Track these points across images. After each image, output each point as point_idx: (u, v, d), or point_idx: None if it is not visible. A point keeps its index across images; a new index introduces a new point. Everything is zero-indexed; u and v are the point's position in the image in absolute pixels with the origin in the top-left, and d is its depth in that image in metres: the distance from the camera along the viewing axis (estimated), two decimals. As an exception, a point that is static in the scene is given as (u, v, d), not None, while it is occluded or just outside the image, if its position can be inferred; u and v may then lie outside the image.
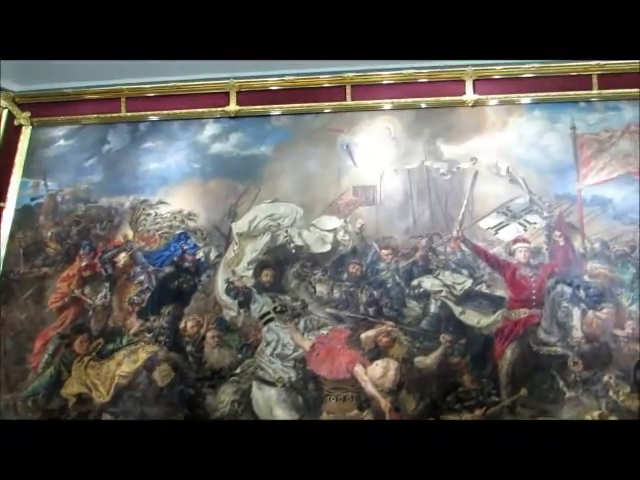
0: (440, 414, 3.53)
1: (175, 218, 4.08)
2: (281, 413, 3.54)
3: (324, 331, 3.73)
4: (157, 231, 4.07)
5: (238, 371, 3.65)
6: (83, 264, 4.01)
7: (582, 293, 3.68)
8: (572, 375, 3.52)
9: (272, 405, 3.55)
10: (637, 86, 3.98)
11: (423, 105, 4.19)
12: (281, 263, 3.91)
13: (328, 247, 3.93)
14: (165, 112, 4.36)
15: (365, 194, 4.03)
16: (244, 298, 3.82)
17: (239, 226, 4.02)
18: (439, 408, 3.54)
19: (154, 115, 4.38)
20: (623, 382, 3.49)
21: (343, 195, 4.03)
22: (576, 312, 3.65)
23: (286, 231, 3.98)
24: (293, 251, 3.94)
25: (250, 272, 3.90)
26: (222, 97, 4.33)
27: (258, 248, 3.96)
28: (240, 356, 3.69)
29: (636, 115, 3.97)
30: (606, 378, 3.51)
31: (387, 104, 4.21)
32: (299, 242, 3.94)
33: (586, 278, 3.71)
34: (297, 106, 4.27)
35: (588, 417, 3.46)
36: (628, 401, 3.46)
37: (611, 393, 3.49)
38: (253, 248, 3.96)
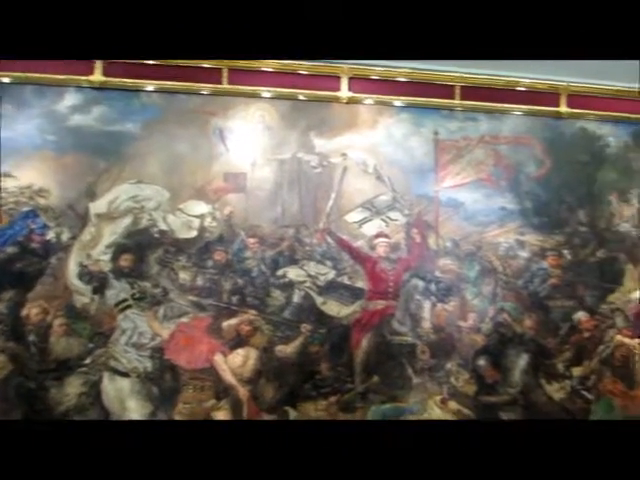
0: (297, 402, 3.63)
1: (22, 194, 3.67)
2: (134, 405, 3.41)
3: (185, 319, 3.64)
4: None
5: (88, 361, 3.43)
6: None
7: (433, 287, 3.98)
8: (420, 363, 3.82)
9: (124, 397, 3.41)
10: (494, 100, 4.34)
11: (301, 97, 4.19)
12: (142, 248, 3.72)
13: (194, 233, 3.82)
14: (17, 74, 3.89)
15: (235, 181, 3.96)
16: (99, 283, 3.57)
17: (97, 206, 3.72)
18: (297, 396, 3.64)
19: (4, 76, 3.91)
20: (463, 369, 3.86)
21: (213, 181, 3.93)
22: (427, 305, 3.94)
23: (150, 214, 3.78)
24: (156, 235, 3.77)
25: (108, 256, 3.65)
26: (86, 65, 3.96)
27: (118, 231, 3.72)
28: (91, 345, 3.47)
29: (491, 127, 4.34)
30: (449, 366, 3.85)
31: (265, 92, 4.15)
32: (163, 226, 3.78)
33: (437, 273, 4.02)
34: (170, 84, 4.05)
35: (431, 402, 3.76)
36: (466, 387, 3.84)
37: (452, 379, 3.83)
38: (112, 231, 3.71)
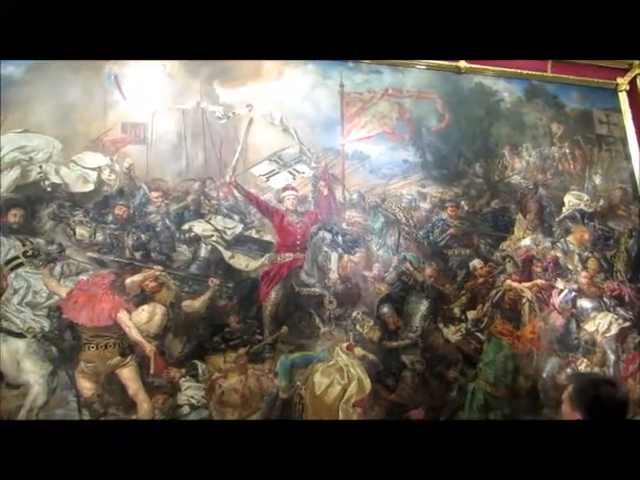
0: (206, 355, 3.62)
1: None
2: (31, 365, 3.24)
3: (84, 276, 3.47)
4: None
5: (-24, 323, 3.21)
6: None
7: (340, 239, 4.05)
8: (327, 312, 3.90)
9: (20, 358, 3.22)
10: (397, 55, 4.40)
11: (204, 43, 4.01)
12: (33, 202, 3.48)
13: (91, 187, 3.63)
14: None
15: (135, 132, 3.78)
16: (-16, 241, 3.32)
17: (-23, 157, 3.42)
18: (205, 349, 3.63)
19: None
20: (368, 317, 3.99)
21: (110, 131, 3.72)
22: (334, 256, 4.01)
23: (40, 167, 3.52)
24: (49, 189, 3.54)
25: (-7, 212, 3.39)
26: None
27: (4, 185, 3.43)
28: (-22, 307, 3.24)
29: (394, 80, 4.42)
30: (354, 314, 3.97)
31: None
32: (56, 180, 3.55)
33: (344, 225, 4.09)
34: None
35: (338, 349, 3.88)
36: (371, 333, 3.98)
37: (358, 327, 3.96)
38: (-3, 184, 3.43)
